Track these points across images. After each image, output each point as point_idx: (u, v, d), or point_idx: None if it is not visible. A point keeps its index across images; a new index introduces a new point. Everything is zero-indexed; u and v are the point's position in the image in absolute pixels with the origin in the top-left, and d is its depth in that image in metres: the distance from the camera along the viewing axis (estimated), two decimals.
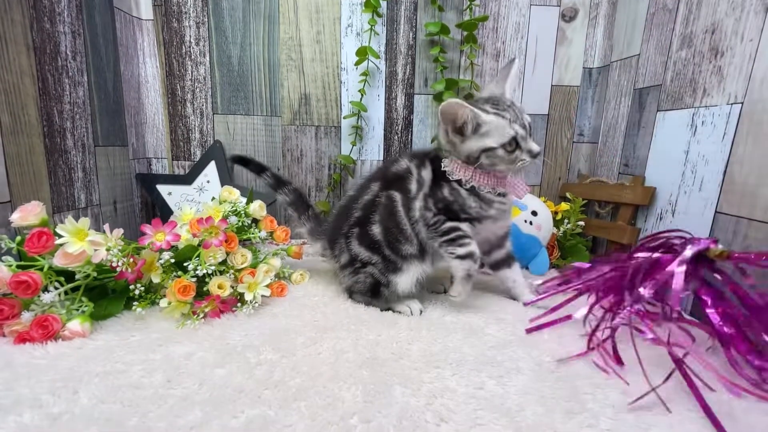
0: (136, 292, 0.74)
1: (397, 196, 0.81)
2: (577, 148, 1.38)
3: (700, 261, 0.66)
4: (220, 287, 0.76)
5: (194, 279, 0.74)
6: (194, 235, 0.79)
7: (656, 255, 0.70)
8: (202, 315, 0.73)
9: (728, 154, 0.83)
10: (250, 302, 0.78)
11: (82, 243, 0.68)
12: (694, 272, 0.66)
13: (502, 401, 0.54)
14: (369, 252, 0.82)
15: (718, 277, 0.66)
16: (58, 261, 0.67)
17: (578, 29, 1.30)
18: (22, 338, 0.64)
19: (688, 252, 0.65)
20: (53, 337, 0.65)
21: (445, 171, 0.80)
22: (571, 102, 1.35)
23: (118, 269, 0.70)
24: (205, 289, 0.76)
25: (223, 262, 0.81)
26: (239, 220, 0.89)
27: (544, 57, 1.31)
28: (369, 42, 1.23)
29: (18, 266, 0.67)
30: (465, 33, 1.23)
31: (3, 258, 0.68)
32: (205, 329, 0.71)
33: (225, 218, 0.83)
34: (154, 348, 0.64)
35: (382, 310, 0.82)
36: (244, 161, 1.01)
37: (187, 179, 1.25)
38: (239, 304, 0.79)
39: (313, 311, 0.81)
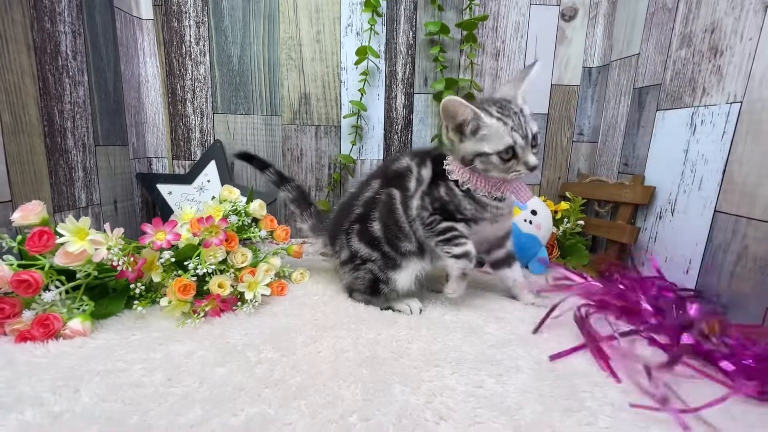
0: (137, 291, 0.74)
1: (397, 193, 0.81)
2: (576, 147, 1.39)
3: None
4: (220, 286, 0.76)
5: (194, 278, 0.74)
6: (194, 235, 0.79)
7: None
8: (202, 314, 0.73)
9: (727, 153, 0.84)
10: (251, 301, 0.79)
11: (82, 242, 0.68)
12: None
13: (502, 399, 0.54)
14: (369, 249, 0.82)
15: None
16: (59, 260, 0.67)
17: (578, 28, 1.30)
18: (23, 337, 0.64)
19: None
20: (54, 336, 0.65)
21: (445, 170, 0.79)
22: (570, 101, 1.35)
23: (119, 268, 0.70)
24: (205, 288, 0.77)
25: (224, 261, 0.81)
26: (239, 220, 0.90)
27: (543, 56, 1.31)
28: (369, 41, 1.23)
29: (19, 265, 0.68)
30: (465, 32, 1.23)
31: (4, 257, 0.68)
32: (206, 328, 0.71)
33: (225, 217, 0.84)
34: (155, 347, 0.65)
35: (381, 309, 0.82)
36: (248, 157, 1.02)
37: (187, 179, 1.25)
38: (239, 303, 0.79)
39: (313, 310, 0.81)
